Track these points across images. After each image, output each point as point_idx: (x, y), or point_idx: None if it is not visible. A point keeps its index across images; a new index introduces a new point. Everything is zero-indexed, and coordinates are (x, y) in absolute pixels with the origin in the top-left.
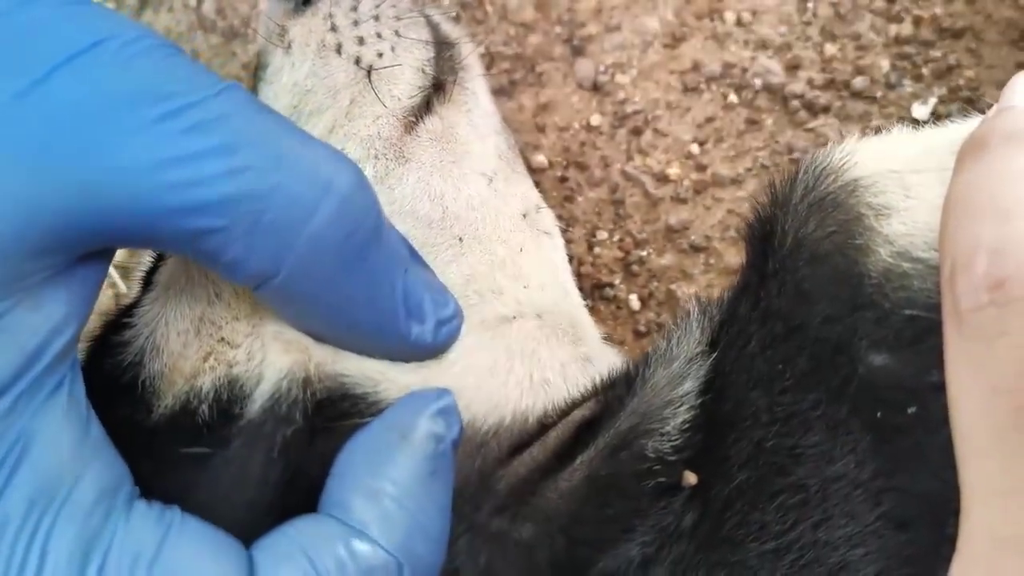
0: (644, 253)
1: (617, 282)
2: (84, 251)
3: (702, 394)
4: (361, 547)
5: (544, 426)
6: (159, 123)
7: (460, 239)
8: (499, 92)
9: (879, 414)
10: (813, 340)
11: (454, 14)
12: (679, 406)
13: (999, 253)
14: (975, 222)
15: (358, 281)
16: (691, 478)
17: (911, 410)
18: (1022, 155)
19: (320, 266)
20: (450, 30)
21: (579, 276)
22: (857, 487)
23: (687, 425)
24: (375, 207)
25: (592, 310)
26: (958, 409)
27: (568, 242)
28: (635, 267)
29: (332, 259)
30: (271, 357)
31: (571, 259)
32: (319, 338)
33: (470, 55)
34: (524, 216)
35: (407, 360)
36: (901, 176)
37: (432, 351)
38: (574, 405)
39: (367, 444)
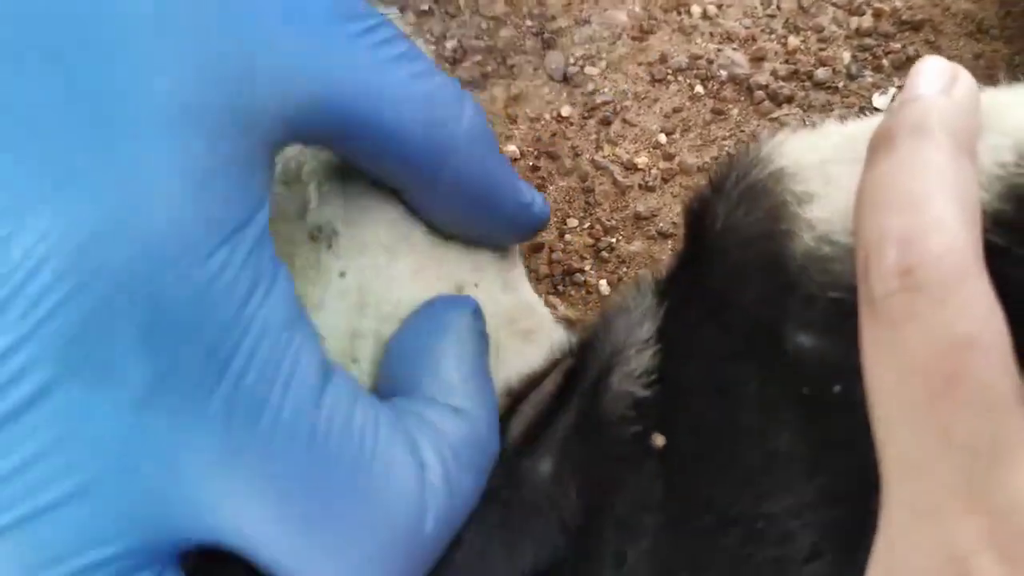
0: (613, 240)
1: (587, 268)
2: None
3: (657, 346)
4: (449, 416)
5: (532, 381)
6: (360, 36)
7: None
8: (471, 84)
9: (805, 390)
10: (745, 318)
11: (427, 7)
12: (640, 349)
13: (907, 242)
14: (886, 214)
15: (498, 164)
16: (659, 439)
17: (836, 389)
18: (927, 147)
19: (476, 154)
20: None
21: (550, 263)
22: (792, 461)
23: (650, 370)
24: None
25: (563, 295)
26: (874, 390)
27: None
28: (605, 253)
29: (483, 144)
30: None
31: (542, 247)
32: (461, 228)
33: None
34: None
35: (523, 235)
36: (823, 165)
37: (543, 222)
38: (556, 364)
39: (413, 342)
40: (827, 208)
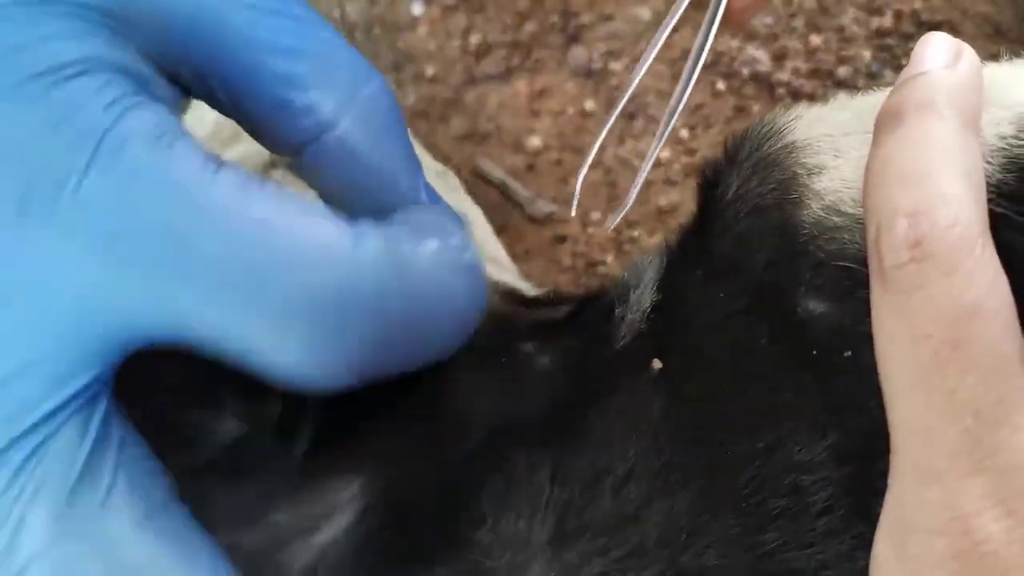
0: (635, 233)
1: (609, 260)
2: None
3: (661, 293)
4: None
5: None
6: None
7: None
8: (496, 78)
9: (815, 353)
10: (754, 281)
11: (452, 2)
12: (643, 291)
13: (916, 215)
14: (895, 188)
15: (395, 154)
16: (656, 363)
17: (846, 354)
18: (933, 122)
19: (371, 125)
20: None
21: (573, 255)
22: (804, 419)
23: (650, 309)
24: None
25: (585, 287)
26: (883, 357)
27: (562, 222)
28: (627, 246)
29: (380, 122)
30: None
31: (565, 238)
32: (344, 209)
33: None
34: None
35: None
36: (834, 139)
37: None
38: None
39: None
40: (836, 179)
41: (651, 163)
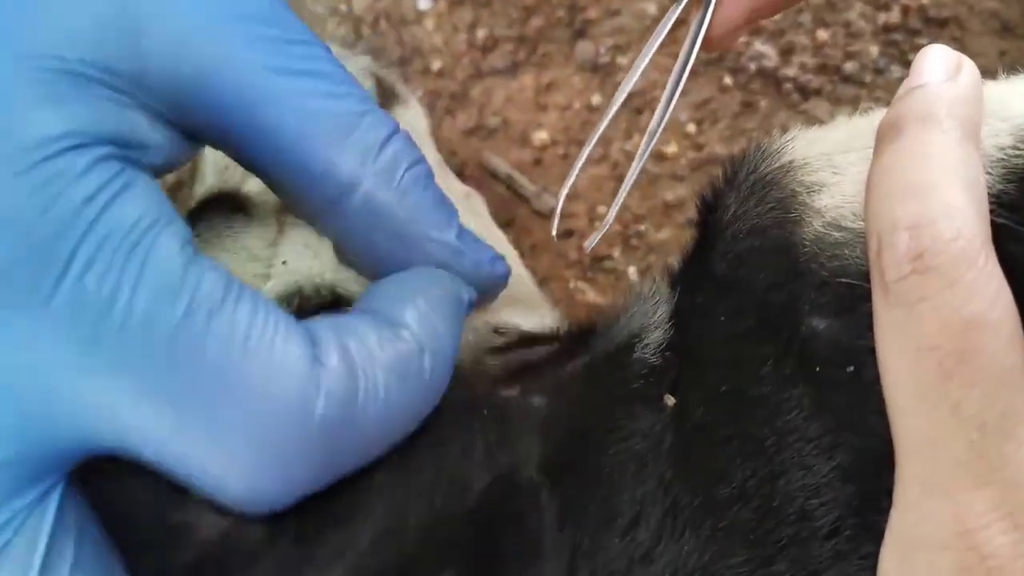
0: (642, 228)
1: (616, 255)
2: (186, 126)
3: (671, 324)
4: (380, 324)
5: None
6: (271, 41)
7: None
8: (502, 72)
9: (818, 369)
10: (757, 302)
11: None
12: (655, 329)
13: (918, 228)
14: (896, 201)
15: (422, 204)
16: (670, 400)
17: (849, 370)
18: (933, 134)
19: (394, 182)
20: (395, 84)
21: (579, 249)
22: (809, 441)
23: (663, 343)
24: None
25: (592, 281)
26: (887, 370)
27: (569, 216)
28: (634, 241)
29: (405, 177)
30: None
31: (572, 232)
32: (369, 271)
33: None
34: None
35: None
36: (831, 157)
37: (493, 286)
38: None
39: (393, 280)
40: (836, 196)
41: (631, 184)
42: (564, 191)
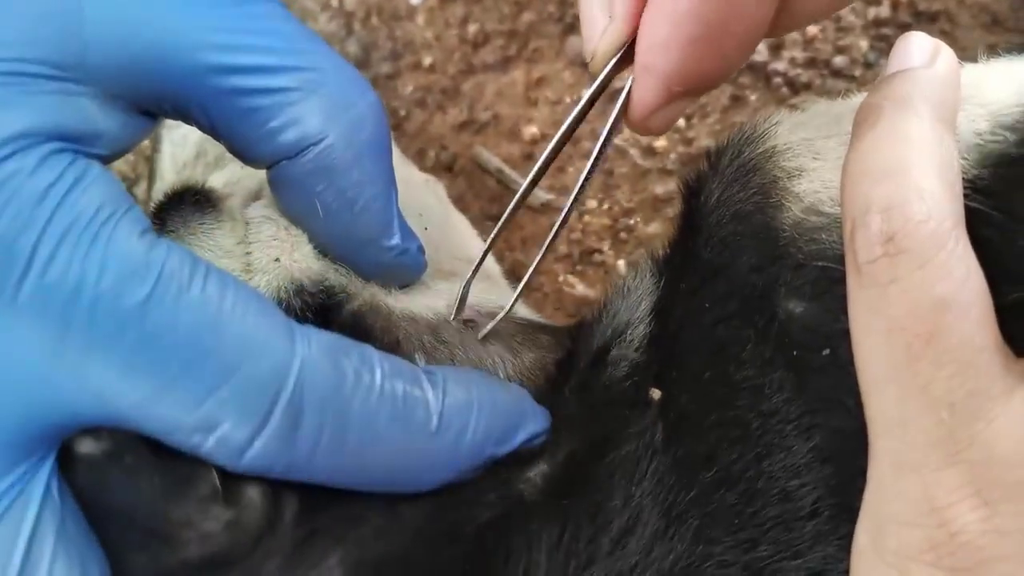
0: (632, 221)
1: (606, 248)
2: (142, 102)
3: (652, 316)
4: (414, 373)
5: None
6: (232, 3)
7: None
8: (493, 67)
9: (795, 353)
10: (741, 286)
11: None
12: (638, 324)
13: (889, 211)
14: (870, 184)
15: (376, 176)
16: (655, 393)
17: (825, 353)
18: (909, 118)
19: (355, 146)
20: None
21: (569, 243)
22: (789, 422)
23: (645, 338)
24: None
25: (581, 275)
26: (859, 351)
27: (558, 210)
28: (623, 234)
29: (364, 144)
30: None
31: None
32: (318, 232)
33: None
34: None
35: (383, 277)
36: (812, 142)
37: (412, 272)
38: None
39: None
40: (816, 181)
41: (539, 259)
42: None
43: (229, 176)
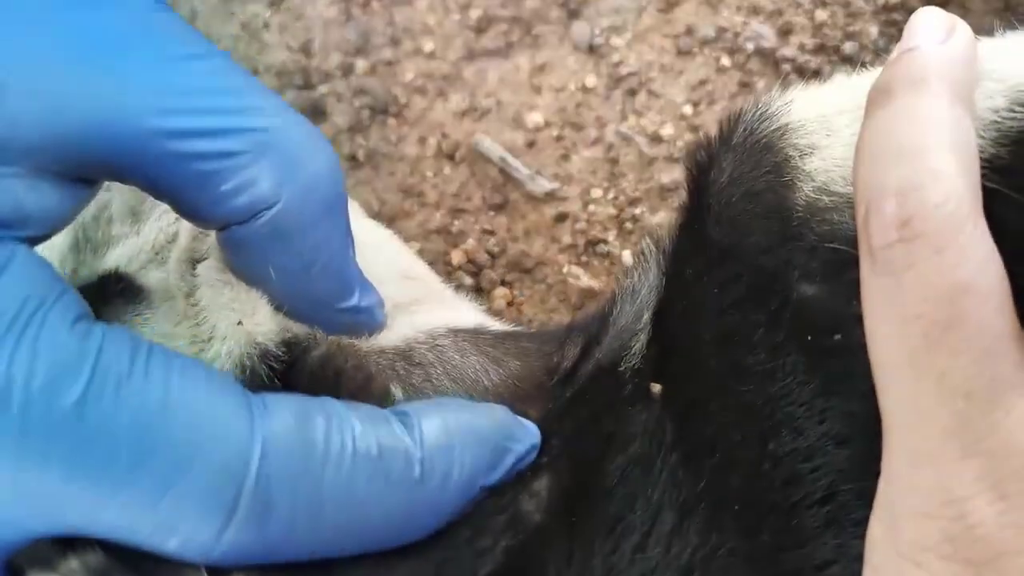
0: (637, 211)
1: (611, 238)
2: (80, 172)
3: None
4: (388, 425)
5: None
6: (174, 60)
7: None
8: (496, 53)
9: (809, 338)
10: (750, 268)
11: None
12: (643, 332)
13: (904, 194)
14: (884, 166)
15: (332, 237)
16: (655, 388)
17: (837, 337)
18: (923, 97)
19: (310, 208)
20: None
21: (574, 233)
22: (801, 405)
23: (648, 341)
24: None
25: (586, 265)
26: (874, 338)
27: (563, 199)
28: (628, 224)
29: (319, 205)
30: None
31: (566, 216)
32: (273, 294)
33: None
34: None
35: (343, 334)
36: (827, 119)
37: (372, 328)
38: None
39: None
40: (827, 159)
41: None
42: None
43: (128, 252)
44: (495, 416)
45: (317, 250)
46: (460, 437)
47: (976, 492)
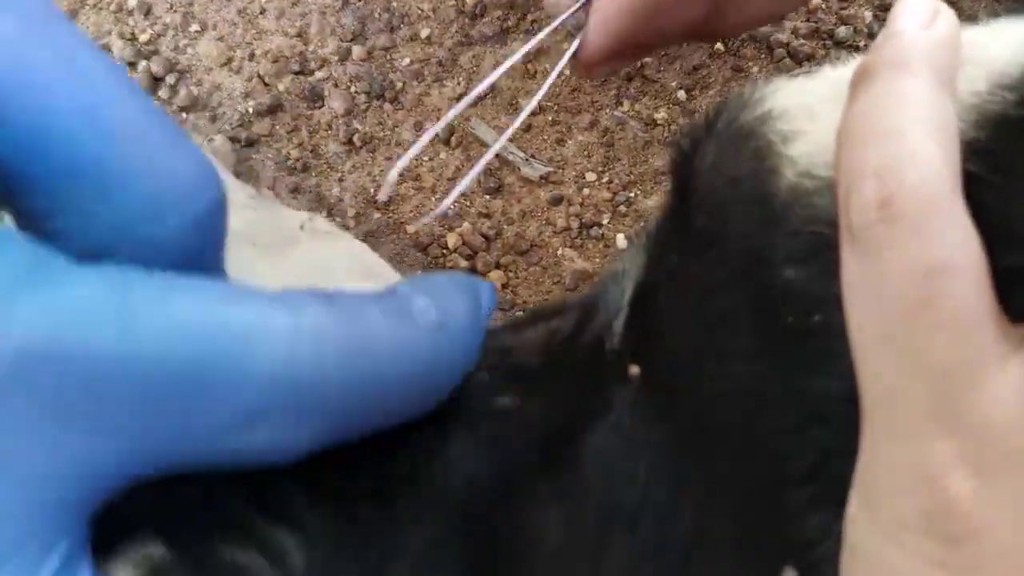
0: (632, 195)
1: (605, 221)
2: None
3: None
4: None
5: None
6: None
7: None
8: (491, 39)
9: (790, 319)
10: (733, 252)
11: None
12: (623, 312)
13: (884, 175)
14: (864, 147)
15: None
16: (634, 369)
17: (817, 317)
18: (906, 80)
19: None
20: None
21: (569, 216)
22: (783, 386)
23: (630, 319)
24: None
25: (580, 248)
26: (852, 317)
27: (559, 183)
28: (623, 208)
29: (214, 230)
30: None
31: (561, 199)
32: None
33: None
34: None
35: None
36: (810, 105)
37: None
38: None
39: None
40: (810, 143)
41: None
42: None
43: None
44: (455, 274)
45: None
46: (443, 287)
47: (953, 468)
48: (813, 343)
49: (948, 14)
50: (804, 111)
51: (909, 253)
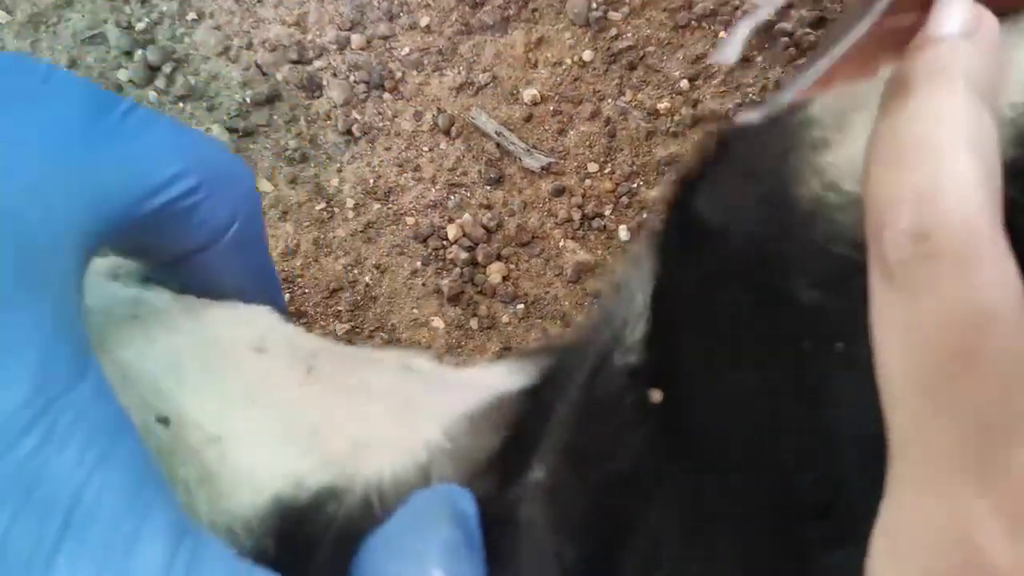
0: (634, 185)
1: (607, 213)
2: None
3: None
4: None
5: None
6: (126, 117)
7: None
8: (492, 28)
9: (806, 343)
10: (751, 263)
11: None
12: (636, 323)
13: (923, 202)
14: (899, 169)
15: (264, 235)
16: (656, 395)
17: (839, 346)
18: (946, 95)
19: (255, 221)
20: None
21: (571, 207)
22: (800, 417)
23: (644, 336)
24: None
25: (582, 239)
26: (884, 359)
27: (560, 174)
28: (625, 199)
29: (259, 216)
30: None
31: (563, 190)
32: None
33: None
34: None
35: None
36: (845, 114)
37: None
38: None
39: (393, 531)
40: (839, 155)
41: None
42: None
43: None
44: (448, 512)
45: (264, 252)
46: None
47: (990, 528)
48: (835, 373)
49: (992, 22)
50: (838, 119)
51: (950, 297)
